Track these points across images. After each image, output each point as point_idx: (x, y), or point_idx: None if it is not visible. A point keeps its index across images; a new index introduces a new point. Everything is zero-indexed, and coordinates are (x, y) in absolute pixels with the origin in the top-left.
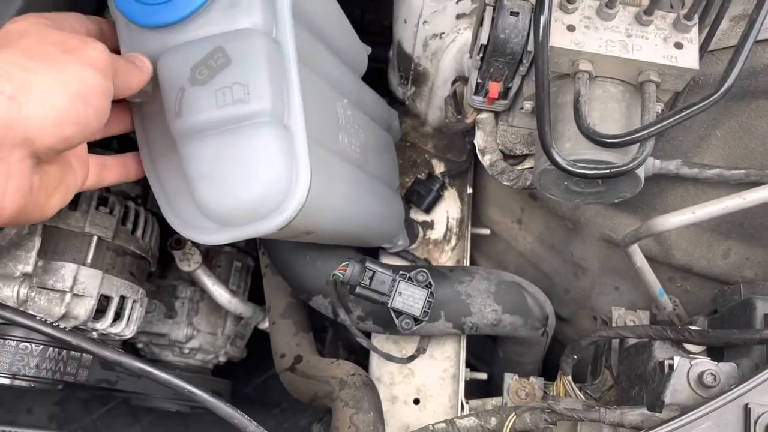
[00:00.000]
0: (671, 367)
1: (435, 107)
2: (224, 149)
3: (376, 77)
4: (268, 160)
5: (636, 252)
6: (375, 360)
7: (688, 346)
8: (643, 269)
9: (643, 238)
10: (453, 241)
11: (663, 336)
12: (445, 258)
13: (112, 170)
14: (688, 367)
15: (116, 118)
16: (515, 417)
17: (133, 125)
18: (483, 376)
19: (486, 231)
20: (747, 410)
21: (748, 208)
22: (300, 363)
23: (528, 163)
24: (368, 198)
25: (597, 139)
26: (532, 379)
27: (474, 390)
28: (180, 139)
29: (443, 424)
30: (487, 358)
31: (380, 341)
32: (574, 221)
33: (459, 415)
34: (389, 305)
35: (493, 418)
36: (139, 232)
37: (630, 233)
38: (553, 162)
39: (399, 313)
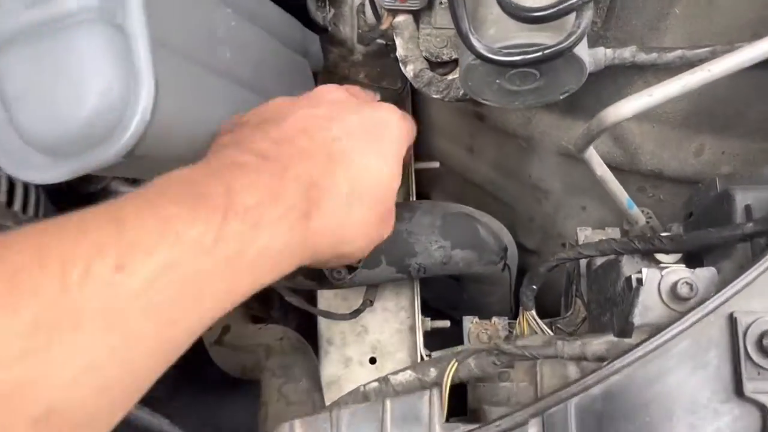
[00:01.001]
0: (639, 281)
1: None
2: (41, 60)
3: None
4: (95, 68)
5: (593, 156)
6: (324, 320)
7: (662, 258)
8: (605, 177)
9: (597, 135)
10: None
11: (629, 248)
12: None
13: None
14: (658, 279)
15: None
16: (456, 364)
17: None
18: (446, 323)
19: (435, 164)
20: (732, 320)
21: (715, 81)
22: (227, 333)
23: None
24: None
25: (523, 15)
26: (495, 319)
27: (441, 340)
28: None
29: (375, 383)
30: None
31: (328, 299)
32: (527, 138)
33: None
34: None
35: (432, 369)
36: (17, 206)
37: (582, 133)
38: (472, 50)
39: None
